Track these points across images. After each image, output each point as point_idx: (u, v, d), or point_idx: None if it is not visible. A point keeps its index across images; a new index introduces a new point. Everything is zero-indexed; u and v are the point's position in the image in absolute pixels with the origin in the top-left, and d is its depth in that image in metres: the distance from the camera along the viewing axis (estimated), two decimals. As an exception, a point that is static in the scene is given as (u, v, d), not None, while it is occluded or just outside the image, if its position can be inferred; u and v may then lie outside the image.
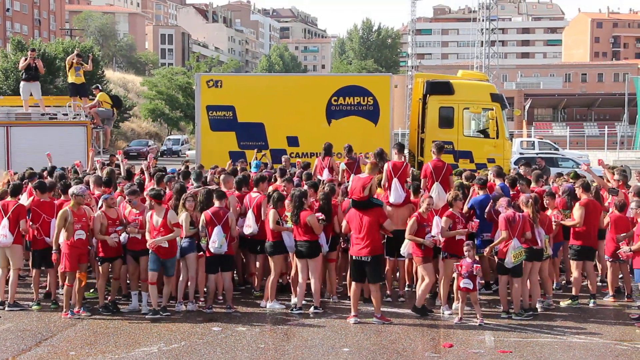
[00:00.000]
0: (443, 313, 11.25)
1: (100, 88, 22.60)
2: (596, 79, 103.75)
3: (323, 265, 11.70)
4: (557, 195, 12.61)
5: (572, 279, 12.32)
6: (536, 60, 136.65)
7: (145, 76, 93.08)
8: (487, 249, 11.31)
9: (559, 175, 15.32)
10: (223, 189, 12.36)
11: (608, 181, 13.85)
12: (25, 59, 21.09)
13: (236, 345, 9.76)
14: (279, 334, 10.47)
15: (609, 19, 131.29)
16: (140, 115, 72.47)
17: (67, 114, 20.95)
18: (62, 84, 50.38)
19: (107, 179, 13.08)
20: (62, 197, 12.22)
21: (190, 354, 9.37)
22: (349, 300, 11.10)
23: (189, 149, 51.84)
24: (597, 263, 13.08)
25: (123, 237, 11.39)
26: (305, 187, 12.06)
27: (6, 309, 11.42)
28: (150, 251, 10.98)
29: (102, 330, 10.47)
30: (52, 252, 11.19)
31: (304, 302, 11.39)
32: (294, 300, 11.55)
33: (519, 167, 15.86)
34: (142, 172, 15.30)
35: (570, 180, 13.75)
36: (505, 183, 12.80)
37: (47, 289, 12.16)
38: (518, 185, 12.91)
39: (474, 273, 10.67)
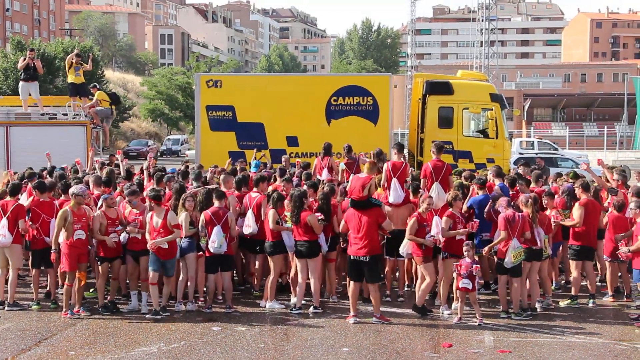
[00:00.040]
0: (442, 313, 11.26)
1: (98, 87, 22.56)
2: (595, 79, 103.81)
3: (323, 265, 11.71)
4: (557, 196, 12.63)
5: (571, 278, 12.34)
6: (535, 60, 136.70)
7: (145, 76, 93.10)
8: (485, 249, 11.32)
9: (559, 175, 15.33)
10: (223, 188, 12.37)
11: (607, 181, 13.86)
12: (24, 59, 21.10)
13: (236, 345, 9.77)
14: (279, 333, 10.48)
15: (609, 19, 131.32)
16: (140, 115, 72.50)
17: (66, 114, 20.96)
18: (62, 84, 50.39)
19: (107, 178, 13.09)
20: (63, 197, 12.24)
21: (189, 354, 9.38)
22: (349, 300, 11.11)
23: (188, 149, 51.86)
24: (597, 263, 13.09)
25: (123, 237, 11.39)
26: (305, 187, 12.07)
27: (6, 308, 11.42)
28: (150, 252, 10.98)
29: (101, 330, 10.48)
30: (52, 251, 11.19)
31: (303, 301, 11.40)
32: (293, 300, 11.57)
33: (518, 167, 15.88)
34: (141, 171, 15.31)
35: (570, 180, 13.75)
36: (505, 183, 12.82)
37: (48, 288, 12.16)
38: (517, 185, 12.93)
39: (473, 273, 10.68)
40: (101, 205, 11.60)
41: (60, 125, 20.63)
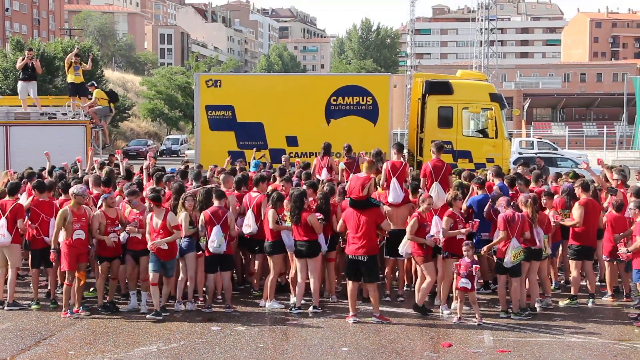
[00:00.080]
0: (442, 312, 11.26)
1: (96, 85, 22.51)
2: (595, 78, 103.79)
3: (322, 264, 11.71)
4: (557, 196, 12.63)
5: (571, 278, 12.34)
6: (535, 60, 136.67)
7: (145, 76, 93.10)
8: (484, 248, 11.32)
9: (558, 175, 15.34)
10: (223, 188, 12.37)
11: (607, 181, 13.85)
12: (23, 59, 21.11)
13: (235, 344, 9.77)
14: (278, 333, 10.48)
15: (608, 18, 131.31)
16: (140, 114, 72.47)
17: (66, 114, 20.95)
18: (62, 83, 50.34)
19: (107, 178, 13.09)
20: (63, 197, 12.23)
21: (189, 354, 9.38)
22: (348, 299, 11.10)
23: (188, 149, 51.85)
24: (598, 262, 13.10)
25: (122, 236, 11.39)
26: (304, 187, 12.06)
27: (5, 308, 11.42)
28: (150, 253, 10.98)
29: (101, 329, 10.48)
30: (51, 251, 11.18)
31: (302, 301, 11.40)
32: (292, 299, 11.57)
33: (517, 167, 15.88)
34: (141, 171, 15.31)
35: (569, 180, 13.75)
36: (504, 183, 12.82)
37: (48, 288, 12.15)
38: (517, 185, 12.93)
39: (473, 273, 10.68)
40: (101, 205, 11.60)
41: (59, 125, 20.62)
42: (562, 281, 13.30)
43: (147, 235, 11.05)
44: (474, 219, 11.53)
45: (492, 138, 20.35)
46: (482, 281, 12.53)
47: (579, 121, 76.23)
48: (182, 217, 11.28)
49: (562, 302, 11.96)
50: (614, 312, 11.68)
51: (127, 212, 11.56)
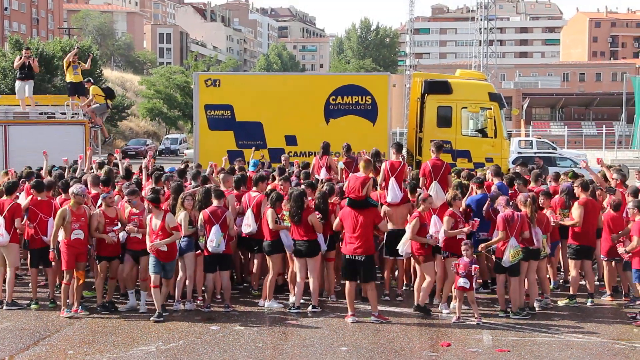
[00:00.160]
0: (442, 311, 11.26)
1: (92, 81, 22.52)
2: (594, 78, 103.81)
3: (321, 264, 11.71)
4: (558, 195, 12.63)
5: (570, 278, 12.34)
6: (534, 59, 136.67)
7: (144, 75, 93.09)
8: (482, 245, 11.30)
9: (558, 175, 15.32)
10: (222, 188, 12.36)
11: (606, 180, 13.85)
12: (20, 58, 21.11)
13: (234, 344, 9.77)
14: (277, 333, 10.47)
15: (607, 18, 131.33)
16: (139, 114, 72.45)
17: (65, 113, 20.94)
18: (60, 83, 50.32)
19: (106, 177, 13.08)
20: (63, 196, 12.21)
21: (188, 353, 9.38)
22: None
23: (187, 148, 51.85)
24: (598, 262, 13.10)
25: (122, 236, 11.38)
26: (303, 186, 12.06)
27: (4, 307, 11.41)
28: (150, 255, 10.96)
29: (100, 329, 10.47)
30: (50, 250, 11.18)
31: (302, 301, 11.40)
32: (292, 299, 11.56)
33: (515, 167, 15.88)
34: (140, 171, 15.29)
35: (569, 180, 13.75)
36: (503, 182, 12.82)
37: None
38: (515, 184, 12.93)
39: (472, 273, 10.68)
40: (100, 204, 11.59)
41: (58, 124, 20.61)
42: (561, 281, 13.31)
43: (147, 237, 11.03)
44: (474, 219, 11.53)
45: (491, 137, 20.33)
46: (481, 281, 12.53)
47: (578, 121, 76.28)
48: (181, 216, 11.27)
49: (561, 302, 11.97)
50: (613, 312, 11.68)
51: (126, 211, 11.55)
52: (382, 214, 11.66)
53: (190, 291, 11.53)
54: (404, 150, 16.99)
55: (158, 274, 10.96)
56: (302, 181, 13.17)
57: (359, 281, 11.02)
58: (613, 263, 12.13)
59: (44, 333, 10.26)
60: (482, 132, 20.94)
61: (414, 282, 11.70)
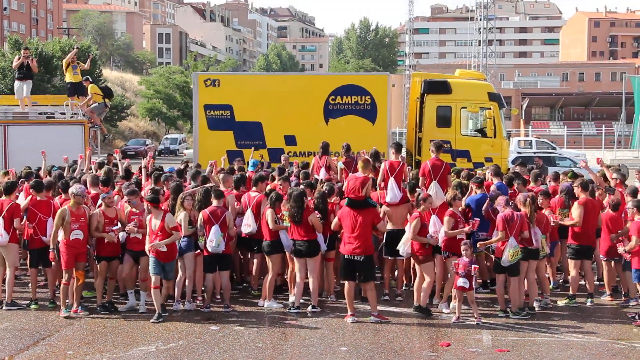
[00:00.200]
0: (442, 310, 11.27)
1: (90, 80, 22.53)
2: (593, 78, 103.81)
3: (321, 264, 11.71)
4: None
5: (569, 278, 12.33)
6: (534, 59, 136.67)
7: (143, 75, 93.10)
8: (480, 242, 11.30)
9: (557, 174, 15.31)
10: (222, 188, 12.36)
11: (606, 180, 13.85)
12: (19, 58, 21.11)
13: (234, 344, 9.76)
14: (277, 333, 10.47)
15: (607, 18, 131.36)
16: (138, 114, 72.45)
17: (64, 113, 20.94)
18: (60, 83, 50.32)
19: (106, 177, 13.07)
20: (62, 196, 12.21)
21: (188, 353, 9.37)
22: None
23: (186, 148, 51.83)
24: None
25: (121, 236, 11.38)
26: (302, 186, 12.06)
27: (4, 308, 11.41)
28: (150, 255, 10.96)
29: (99, 329, 10.47)
30: (50, 250, 11.17)
31: (301, 301, 11.39)
32: (291, 299, 11.56)
33: (514, 167, 15.88)
34: (139, 171, 15.29)
35: (568, 180, 13.75)
36: (503, 182, 12.82)
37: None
38: (515, 184, 12.93)
39: (471, 273, 10.68)
40: (100, 204, 11.59)
41: (58, 124, 20.61)
42: (560, 280, 13.31)
43: (147, 238, 11.03)
44: (474, 218, 11.53)
45: (491, 137, 20.32)
46: (480, 281, 12.53)
47: (577, 120, 76.28)
48: (181, 216, 11.27)
49: (561, 302, 11.97)
50: (613, 312, 11.68)
51: (126, 212, 11.55)
52: (381, 214, 11.68)
53: (190, 291, 11.53)
54: (404, 150, 16.99)
55: (158, 275, 10.96)
56: (301, 181, 13.16)
57: (357, 281, 11.03)
58: (612, 263, 12.15)
59: (44, 333, 10.26)
60: (482, 132, 20.93)
61: (414, 282, 11.70)
